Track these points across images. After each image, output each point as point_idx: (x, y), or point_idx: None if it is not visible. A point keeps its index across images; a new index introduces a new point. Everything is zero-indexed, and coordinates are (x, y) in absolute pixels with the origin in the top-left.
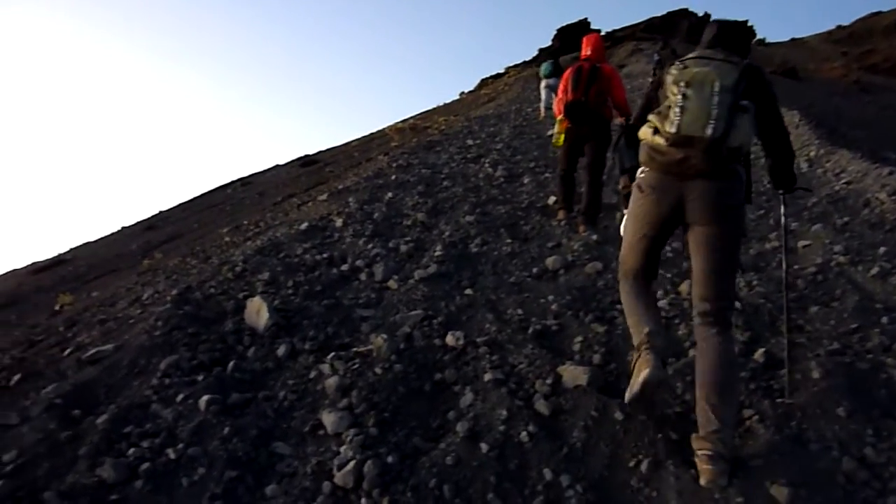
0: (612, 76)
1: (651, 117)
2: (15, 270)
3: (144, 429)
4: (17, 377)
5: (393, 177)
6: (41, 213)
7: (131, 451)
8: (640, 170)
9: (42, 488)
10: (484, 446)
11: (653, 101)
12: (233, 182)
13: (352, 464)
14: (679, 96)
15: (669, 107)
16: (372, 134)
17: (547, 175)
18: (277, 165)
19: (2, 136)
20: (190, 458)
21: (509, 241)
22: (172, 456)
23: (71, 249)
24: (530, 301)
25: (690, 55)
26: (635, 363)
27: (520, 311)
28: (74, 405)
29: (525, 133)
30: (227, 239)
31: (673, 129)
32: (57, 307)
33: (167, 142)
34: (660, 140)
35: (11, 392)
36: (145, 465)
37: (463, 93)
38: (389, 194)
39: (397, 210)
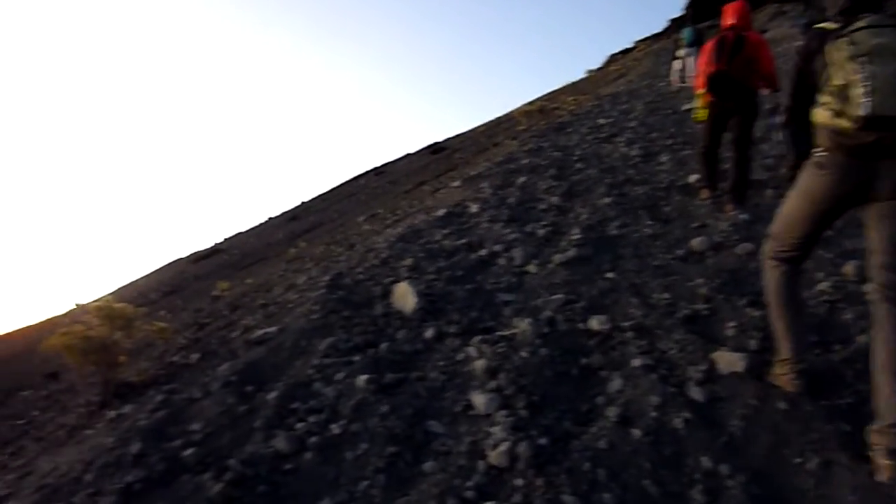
0: (760, 45)
1: (825, 98)
2: (177, 260)
3: (309, 405)
4: (196, 356)
5: (525, 161)
6: (198, 205)
7: (300, 425)
8: (817, 149)
9: (226, 456)
10: (636, 432)
11: (809, 75)
12: (367, 172)
13: (505, 444)
14: (861, 74)
15: (847, 85)
16: (498, 118)
17: (686, 152)
18: (408, 154)
19: (162, 132)
20: (353, 433)
21: (650, 222)
22: (336, 431)
23: (225, 240)
24: (677, 284)
25: (856, 25)
26: (780, 378)
27: (666, 295)
28: (247, 382)
29: (660, 109)
30: (366, 227)
31: (862, 112)
32: (216, 293)
33: (303, 133)
34: (845, 124)
35: (192, 369)
36: (313, 439)
37: (590, 71)
38: (522, 178)
39: (531, 194)
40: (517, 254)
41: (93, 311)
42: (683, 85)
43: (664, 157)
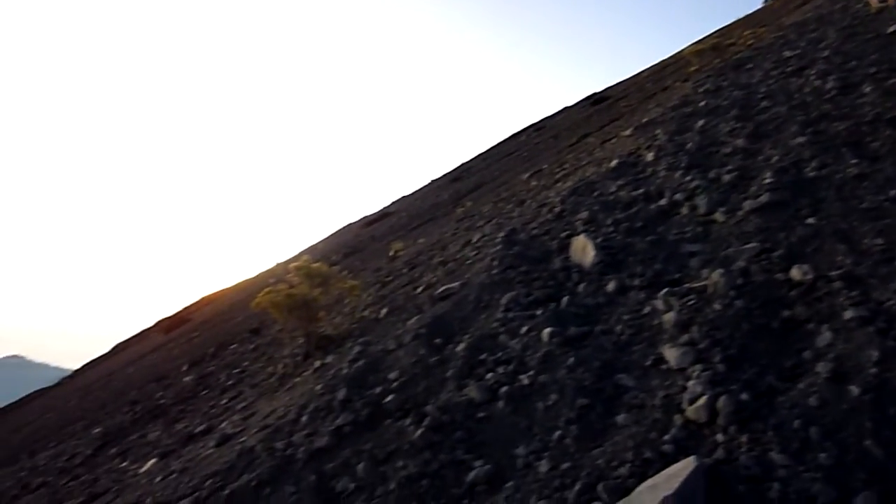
0: None
1: None
2: (349, 225)
3: (497, 357)
4: (384, 311)
5: (702, 103)
6: (364, 171)
7: (489, 375)
8: None
9: (423, 403)
10: (854, 389)
11: None
12: (525, 129)
13: (703, 399)
14: None
15: None
16: (663, 62)
17: (894, 80)
18: (566, 107)
19: (323, 105)
20: (541, 384)
21: (854, 161)
22: (525, 382)
23: (392, 203)
24: (892, 228)
25: None
26: None
27: (879, 241)
28: (435, 334)
29: (857, 34)
30: (532, 183)
31: None
32: (391, 253)
33: (460, 95)
34: None
35: (381, 323)
36: (504, 389)
37: (767, 0)
38: (701, 122)
39: (712, 138)
40: (701, 202)
41: (293, 272)
42: (884, 4)
43: (867, 88)
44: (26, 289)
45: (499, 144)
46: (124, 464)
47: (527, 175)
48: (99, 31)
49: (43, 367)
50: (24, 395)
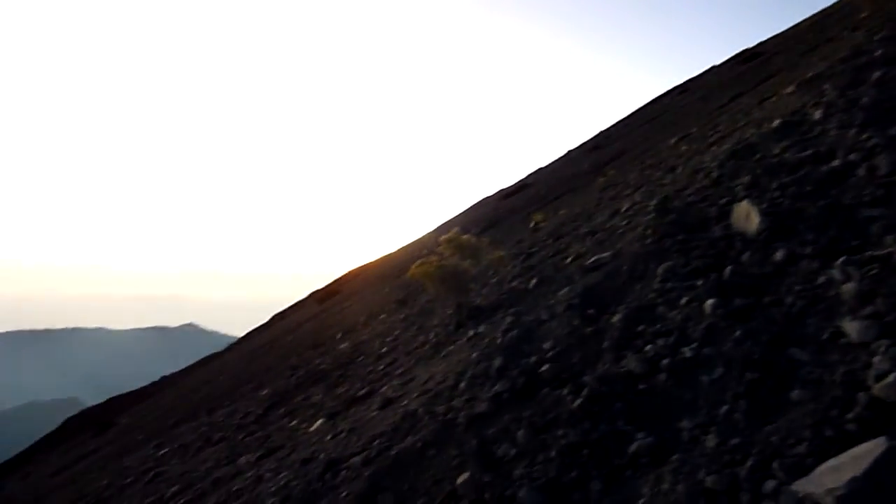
0: None
1: None
2: (485, 198)
3: (656, 328)
4: (534, 281)
5: (878, 52)
6: (498, 145)
7: (648, 347)
8: None
9: (579, 373)
10: None
11: None
12: (669, 91)
13: (892, 377)
14: None
15: None
16: (824, 10)
17: None
18: (714, 66)
19: (453, 85)
20: (706, 357)
21: None
22: (688, 354)
23: (528, 175)
24: None
25: None
26: None
27: None
28: (588, 305)
29: None
30: (682, 148)
31: None
32: (532, 224)
33: (590, 58)
34: None
35: (532, 294)
36: (665, 361)
37: None
38: (877, 73)
39: (892, 91)
40: (882, 162)
41: (443, 244)
42: None
43: None
44: (199, 263)
45: (641, 109)
46: (293, 423)
47: (674, 140)
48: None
49: (213, 335)
50: (198, 359)
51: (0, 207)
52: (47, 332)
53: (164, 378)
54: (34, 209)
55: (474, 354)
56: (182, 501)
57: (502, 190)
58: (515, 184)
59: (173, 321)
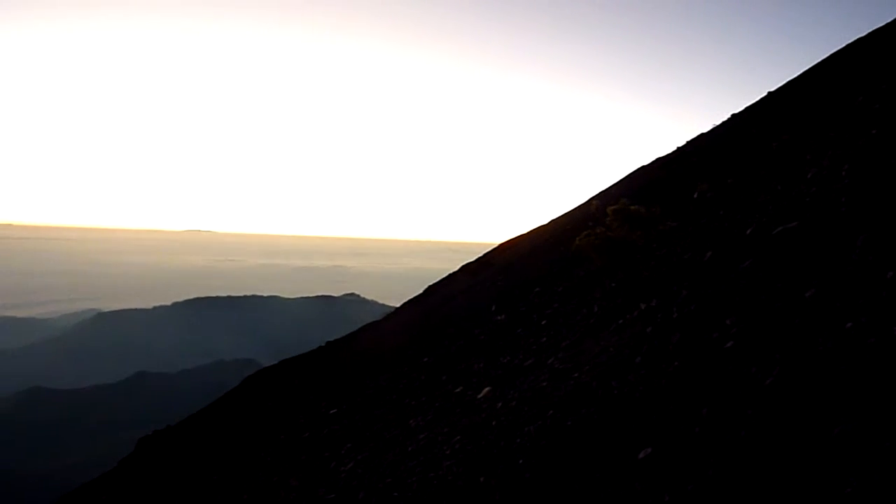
0: None
1: None
2: (642, 167)
3: (857, 304)
4: (708, 253)
5: None
6: (655, 112)
7: (849, 324)
8: None
9: (769, 351)
10: None
11: None
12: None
13: None
14: None
15: None
16: None
17: None
18: None
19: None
20: None
21: None
22: None
23: (688, 142)
24: None
25: None
26: None
27: None
28: (776, 279)
29: None
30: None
31: None
32: (695, 194)
33: (759, 20)
34: None
35: (707, 266)
36: (872, 340)
37: None
38: None
39: None
40: None
41: (611, 214)
42: None
43: None
44: (358, 235)
45: (813, 68)
46: (458, 389)
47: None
48: None
49: (372, 304)
50: (359, 326)
51: (200, 186)
52: (230, 298)
53: (328, 343)
54: (225, 187)
55: (649, 329)
56: (359, 457)
57: (660, 158)
58: (674, 151)
59: (337, 290)
